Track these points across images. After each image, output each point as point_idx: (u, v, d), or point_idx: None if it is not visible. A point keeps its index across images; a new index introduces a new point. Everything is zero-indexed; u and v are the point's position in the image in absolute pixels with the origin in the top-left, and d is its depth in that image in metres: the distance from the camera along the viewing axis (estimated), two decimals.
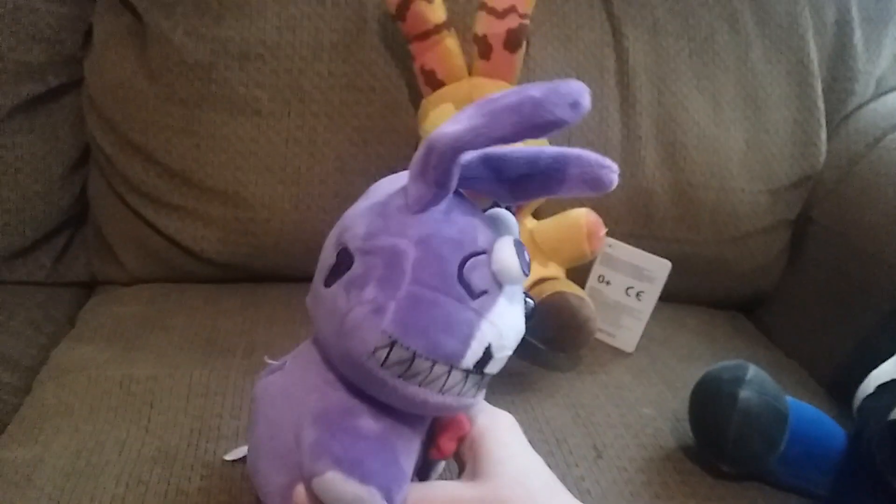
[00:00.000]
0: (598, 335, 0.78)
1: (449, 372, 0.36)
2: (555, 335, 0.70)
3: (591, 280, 0.80)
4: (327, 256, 0.39)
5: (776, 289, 0.94)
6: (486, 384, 0.40)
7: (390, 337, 0.35)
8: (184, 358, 0.68)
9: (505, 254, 0.37)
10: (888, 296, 0.76)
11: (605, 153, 0.84)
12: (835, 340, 0.80)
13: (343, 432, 0.37)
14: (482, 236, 0.38)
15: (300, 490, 0.37)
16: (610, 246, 0.77)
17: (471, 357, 0.36)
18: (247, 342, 0.71)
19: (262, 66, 0.79)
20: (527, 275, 0.38)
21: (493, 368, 0.39)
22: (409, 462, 0.39)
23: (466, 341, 0.36)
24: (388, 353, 0.35)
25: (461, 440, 0.42)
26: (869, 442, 0.56)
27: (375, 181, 0.42)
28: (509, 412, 0.64)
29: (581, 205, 0.77)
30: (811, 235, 0.90)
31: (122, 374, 0.65)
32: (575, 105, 0.34)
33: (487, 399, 0.66)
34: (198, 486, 0.53)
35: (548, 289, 0.71)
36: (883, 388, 0.60)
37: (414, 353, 0.35)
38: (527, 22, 0.74)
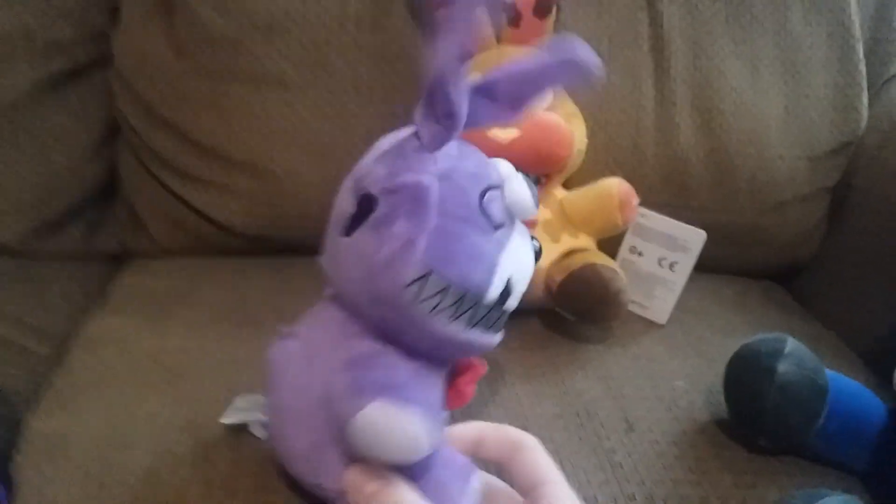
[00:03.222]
0: (630, 307, 0.76)
1: (475, 305, 0.37)
2: (586, 308, 0.69)
3: (623, 251, 0.78)
4: (345, 207, 0.39)
5: (814, 258, 0.91)
6: (503, 323, 0.41)
7: (426, 267, 0.35)
8: (213, 330, 0.68)
9: (519, 187, 0.38)
10: None
11: (638, 121, 0.84)
12: (875, 311, 0.78)
13: (380, 366, 0.38)
14: (494, 171, 0.39)
15: (351, 472, 0.37)
16: (643, 216, 0.76)
17: (495, 289, 0.37)
18: (274, 314, 0.71)
19: (289, 39, 0.78)
20: (536, 208, 0.40)
21: (512, 304, 0.40)
22: (441, 406, 0.40)
23: (491, 272, 0.37)
24: (424, 285, 0.35)
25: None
26: None
27: None
28: (540, 385, 0.64)
29: (613, 174, 0.75)
30: (851, 203, 0.87)
31: (152, 346, 0.65)
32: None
33: (517, 371, 0.66)
34: (228, 457, 0.53)
35: (578, 260, 0.70)
36: None
37: (448, 284, 0.36)
38: None
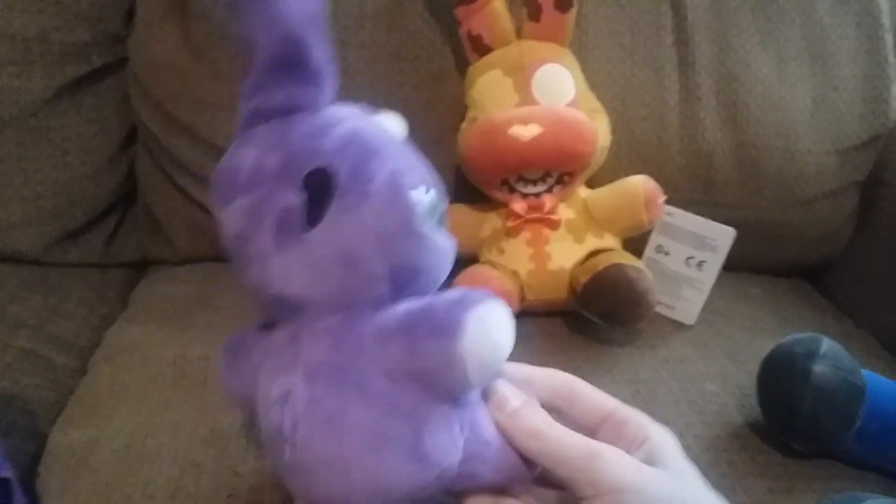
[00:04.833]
0: (658, 308, 0.75)
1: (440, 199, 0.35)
2: (612, 309, 0.67)
3: (649, 250, 0.77)
4: (283, 204, 0.33)
5: (844, 255, 0.89)
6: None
7: (423, 180, 0.34)
8: None
9: None
10: None
11: (662, 116, 0.82)
12: None
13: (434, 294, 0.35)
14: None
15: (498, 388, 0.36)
16: (669, 214, 0.74)
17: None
18: None
19: None
20: None
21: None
22: None
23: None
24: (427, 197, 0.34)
25: None
26: None
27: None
28: None
29: (637, 171, 0.74)
30: (882, 198, 0.85)
31: (175, 355, 0.65)
32: None
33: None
34: (252, 468, 0.52)
35: (603, 261, 0.69)
36: None
37: (432, 183, 0.34)
38: None
